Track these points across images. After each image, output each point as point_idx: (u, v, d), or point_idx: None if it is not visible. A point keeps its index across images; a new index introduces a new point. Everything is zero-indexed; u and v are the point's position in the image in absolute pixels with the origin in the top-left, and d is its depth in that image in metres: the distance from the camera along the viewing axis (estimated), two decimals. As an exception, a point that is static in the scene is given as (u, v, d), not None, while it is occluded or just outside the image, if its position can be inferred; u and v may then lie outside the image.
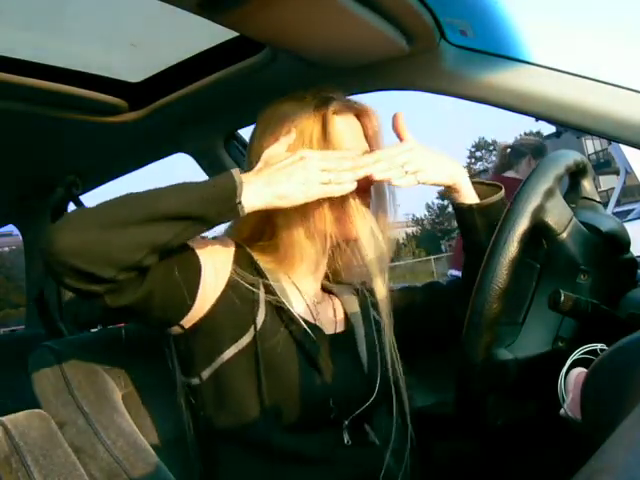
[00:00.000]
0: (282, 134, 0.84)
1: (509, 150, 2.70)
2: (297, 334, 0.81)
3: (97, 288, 0.67)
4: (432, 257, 23.60)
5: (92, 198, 1.78)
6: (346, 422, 0.82)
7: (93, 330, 1.02)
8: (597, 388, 0.57)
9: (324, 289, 0.96)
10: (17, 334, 2.43)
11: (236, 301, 0.80)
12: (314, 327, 0.85)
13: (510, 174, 2.64)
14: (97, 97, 1.18)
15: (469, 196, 0.91)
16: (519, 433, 0.92)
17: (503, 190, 0.93)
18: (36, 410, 0.86)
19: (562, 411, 0.69)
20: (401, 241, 41.81)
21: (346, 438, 0.82)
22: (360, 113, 0.90)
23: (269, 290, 0.83)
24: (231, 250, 0.84)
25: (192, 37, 1.05)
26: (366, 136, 0.90)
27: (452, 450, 1.09)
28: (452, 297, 0.99)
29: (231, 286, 0.80)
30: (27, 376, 0.91)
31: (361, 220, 0.85)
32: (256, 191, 0.74)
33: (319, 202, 0.82)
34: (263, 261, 0.86)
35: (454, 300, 0.96)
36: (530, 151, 2.64)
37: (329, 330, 0.88)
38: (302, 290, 0.89)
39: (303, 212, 0.83)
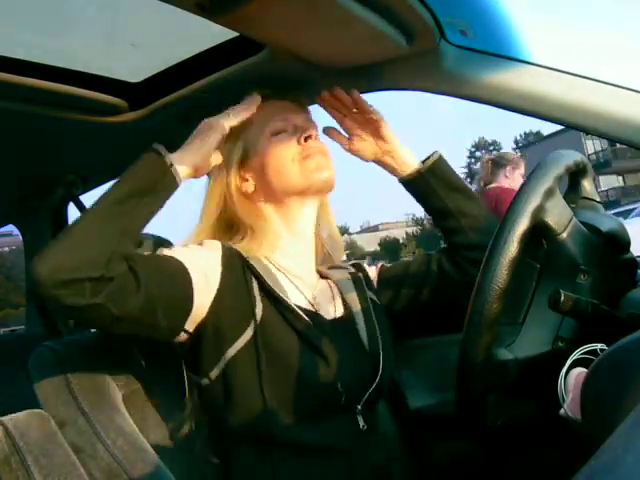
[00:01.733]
0: None
1: (490, 162, 2.89)
2: (296, 323, 0.82)
3: (97, 300, 0.69)
4: (432, 257, 23.50)
5: (92, 198, 1.78)
6: (359, 406, 0.83)
7: (93, 330, 1.02)
8: (597, 388, 0.57)
9: (320, 275, 0.98)
10: (17, 334, 2.43)
11: (232, 299, 0.81)
12: (312, 314, 0.86)
13: (493, 185, 2.82)
14: (97, 97, 1.18)
15: (407, 161, 0.97)
16: (519, 433, 0.92)
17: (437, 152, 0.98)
18: (36, 410, 0.86)
19: (562, 411, 0.69)
20: (401, 241, 41.83)
21: (361, 423, 0.82)
22: (295, 100, 1.00)
23: (263, 284, 0.84)
24: (217, 250, 0.86)
25: (192, 37, 1.05)
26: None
27: (452, 450, 1.09)
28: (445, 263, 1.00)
29: (224, 285, 0.81)
30: (27, 376, 0.91)
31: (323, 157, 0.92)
32: (181, 156, 0.84)
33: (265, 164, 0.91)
34: (251, 254, 0.88)
35: (447, 265, 0.98)
36: (509, 163, 2.82)
37: (328, 314, 0.89)
38: (297, 275, 0.91)
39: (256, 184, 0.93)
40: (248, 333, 0.79)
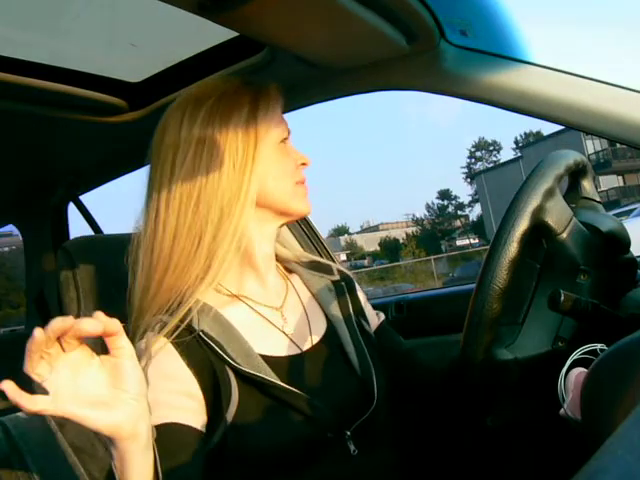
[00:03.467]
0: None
1: None
2: (274, 392, 0.74)
3: None
4: (432, 257, 23.59)
5: (92, 198, 1.78)
6: (348, 432, 0.77)
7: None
8: (597, 388, 0.57)
9: (285, 268, 0.92)
10: (17, 334, 2.43)
11: (211, 388, 0.74)
12: (285, 360, 0.79)
13: None
14: (97, 97, 1.18)
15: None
16: (519, 433, 0.92)
17: None
18: (36, 410, 0.86)
19: (562, 411, 0.69)
20: (401, 241, 41.88)
21: (352, 448, 0.77)
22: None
23: (235, 369, 0.74)
24: (174, 356, 0.74)
25: (192, 37, 1.05)
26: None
27: (452, 450, 1.09)
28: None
29: (204, 390, 0.74)
30: (27, 376, 0.91)
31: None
32: None
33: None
34: (204, 312, 0.77)
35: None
36: None
37: (304, 341, 0.83)
38: (260, 302, 0.83)
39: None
40: (228, 419, 0.73)
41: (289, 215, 0.85)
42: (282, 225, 0.86)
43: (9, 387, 0.52)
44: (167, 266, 0.78)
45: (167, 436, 0.68)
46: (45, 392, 0.54)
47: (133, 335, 0.78)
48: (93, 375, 0.57)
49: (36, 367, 0.56)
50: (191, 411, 0.72)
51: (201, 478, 0.70)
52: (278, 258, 0.91)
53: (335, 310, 0.87)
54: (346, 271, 0.95)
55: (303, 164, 0.86)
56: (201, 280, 0.77)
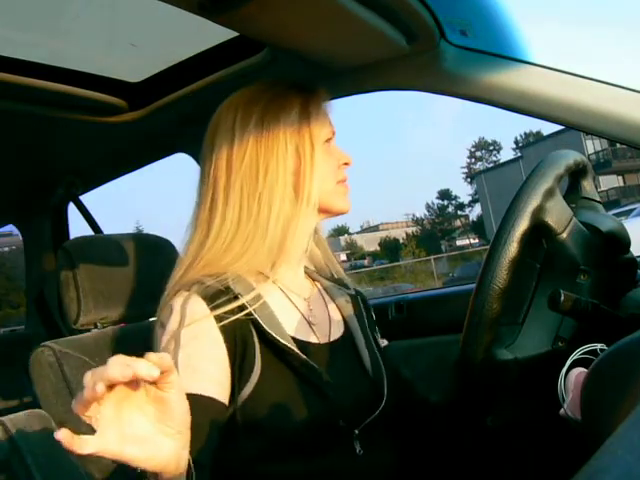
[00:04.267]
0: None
1: None
2: (295, 364, 0.76)
3: None
4: (432, 257, 23.59)
5: (92, 198, 1.78)
6: (356, 431, 0.79)
7: (93, 330, 1.02)
8: (597, 388, 0.57)
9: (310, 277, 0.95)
10: (17, 334, 2.43)
11: (239, 361, 0.76)
12: (310, 345, 0.81)
13: None
14: (97, 97, 1.18)
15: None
16: (519, 433, 0.92)
17: None
18: (36, 410, 0.86)
19: (562, 411, 0.69)
20: (401, 241, 41.88)
21: (357, 447, 0.79)
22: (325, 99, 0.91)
23: (263, 333, 0.77)
24: (213, 330, 0.75)
25: (192, 37, 1.05)
26: None
27: (451, 450, 1.09)
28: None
29: (231, 356, 0.75)
30: (27, 376, 0.91)
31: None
32: None
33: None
34: (241, 282, 0.79)
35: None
36: None
37: (325, 335, 0.86)
38: (294, 290, 0.87)
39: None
40: (248, 389, 0.75)
41: (329, 212, 0.89)
42: (322, 220, 0.91)
43: (64, 436, 0.52)
44: (219, 249, 0.82)
45: (194, 409, 0.64)
46: (92, 432, 0.52)
47: (167, 294, 0.81)
48: (138, 409, 0.55)
49: (87, 411, 0.53)
50: (218, 383, 0.73)
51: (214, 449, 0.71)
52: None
53: (352, 318, 0.91)
54: (361, 291, 1.00)
55: (345, 164, 0.89)
56: (246, 262, 0.81)
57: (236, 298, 0.77)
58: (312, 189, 0.84)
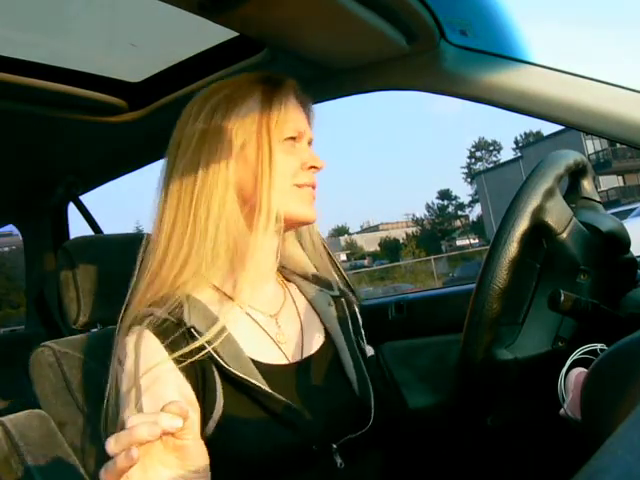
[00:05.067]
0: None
1: None
2: (262, 399, 0.71)
3: None
4: (432, 257, 23.58)
5: (92, 198, 1.78)
6: (335, 446, 0.73)
7: (93, 330, 1.02)
8: (597, 388, 0.57)
9: (283, 277, 0.88)
10: (17, 334, 2.43)
11: (200, 387, 0.71)
12: (275, 369, 0.75)
13: None
14: (97, 97, 1.18)
15: None
16: (519, 433, 0.92)
17: None
18: (36, 410, 0.86)
19: (562, 411, 0.69)
20: (401, 241, 41.87)
21: (339, 461, 0.73)
22: (303, 102, 0.84)
23: (221, 368, 0.71)
24: (163, 355, 0.70)
25: (192, 37, 1.05)
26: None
27: (451, 450, 1.09)
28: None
29: (191, 377, 0.71)
30: (27, 376, 0.91)
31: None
32: None
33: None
34: (196, 308, 0.73)
35: None
36: None
37: (297, 353, 0.79)
38: (255, 307, 0.79)
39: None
40: (212, 423, 0.70)
41: (286, 220, 0.77)
42: (282, 232, 0.80)
43: None
44: (162, 260, 0.76)
45: None
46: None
47: (119, 329, 0.75)
48: (160, 463, 0.54)
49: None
50: (191, 405, 0.69)
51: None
52: (281, 265, 0.87)
53: (334, 324, 0.84)
54: (349, 293, 0.91)
55: (312, 167, 0.80)
56: (193, 275, 0.75)
57: (190, 332, 0.71)
58: (262, 192, 0.74)
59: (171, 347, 0.70)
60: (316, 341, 0.82)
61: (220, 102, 0.78)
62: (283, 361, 0.77)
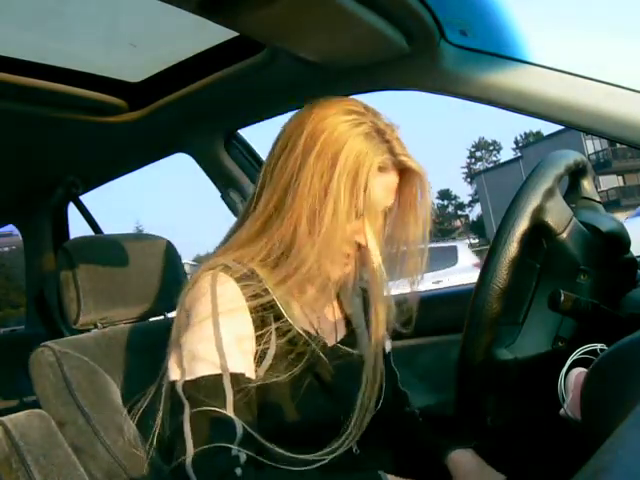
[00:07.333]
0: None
1: None
2: (306, 357, 0.77)
3: None
4: (432, 257, 23.50)
5: (92, 198, 1.78)
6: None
7: (93, 330, 1.02)
8: (597, 388, 0.57)
9: None
10: (17, 334, 2.43)
11: (258, 334, 0.77)
12: (320, 344, 0.81)
13: None
14: (97, 97, 1.18)
15: None
16: (519, 433, 0.92)
17: None
18: (36, 410, 0.86)
19: (562, 411, 0.69)
20: (401, 241, 41.79)
21: (355, 447, 0.80)
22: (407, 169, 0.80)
23: (278, 315, 0.78)
24: (238, 293, 0.76)
25: (192, 37, 1.05)
26: (401, 195, 0.82)
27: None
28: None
29: (255, 321, 0.77)
30: (27, 376, 0.91)
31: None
32: None
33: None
34: (270, 280, 0.79)
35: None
36: None
37: (331, 338, 0.86)
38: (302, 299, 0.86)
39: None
40: (260, 372, 0.76)
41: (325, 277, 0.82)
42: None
43: None
44: (259, 237, 0.80)
45: (243, 389, 0.72)
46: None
47: (195, 277, 0.79)
48: None
49: None
50: (252, 362, 0.75)
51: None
52: None
53: (359, 317, 0.89)
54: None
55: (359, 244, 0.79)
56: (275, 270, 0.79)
57: (259, 281, 0.77)
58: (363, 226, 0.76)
59: (242, 285, 0.76)
60: (340, 331, 0.88)
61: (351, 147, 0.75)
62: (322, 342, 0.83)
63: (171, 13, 0.77)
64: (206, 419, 0.69)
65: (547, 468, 0.88)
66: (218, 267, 0.78)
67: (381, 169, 0.76)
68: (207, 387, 0.71)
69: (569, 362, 0.71)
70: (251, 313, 0.76)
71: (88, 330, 1.01)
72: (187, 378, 0.71)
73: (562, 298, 0.73)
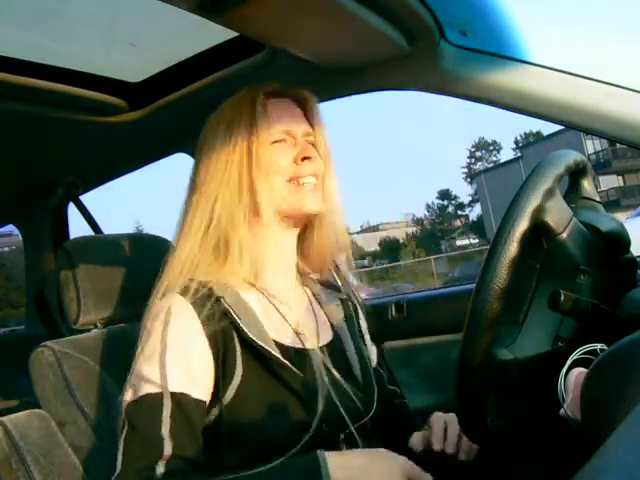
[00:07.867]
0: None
1: None
2: (279, 371, 0.77)
3: None
4: (432, 257, 23.59)
5: (92, 198, 1.78)
6: (342, 436, 0.80)
7: (93, 330, 1.02)
8: (597, 388, 0.57)
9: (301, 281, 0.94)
10: (17, 334, 2.43)
11: (219, 364, 0.77)
12: (292, 350, 0.81)
13: None
14: (97, 97, 1.18)
15: None
16: (519, 433, 0.92)
17: None
18: (36, 410, 0.86)
19: (562, 411, 0.69)
20: (401, 241, 41.88)
21: (344, 448, 0.79)
22: (299, 99, 0.90)
23: (244, 337, 0.77)
24: (198, 332, 0.76)
25: (192, 37, 1.05)
26: (309, 120, 0.89)
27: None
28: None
29: (215, 358, 0.77)
30: (27, 376, 0.91)
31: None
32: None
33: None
34: (232, 284, 0.81)
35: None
36: None
37: (312, 342, 0.85)
38: (282, 300, 0.86)
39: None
40: (230, 393, 0.75)
41: (289, 215, 0.85)
42: (296, 228, 0.88)
43: None
44: (197, 248, 0.83)
45: (185, 409, 0.72)
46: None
47: (154, 298, 0.81)
48: None
49: None
50: (205, 386, 0.75)
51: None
52: (302, 271, 0.94)
53: (341, 324, 0.90)
54: (356, 295, 0.99)
55: (305, 158, 0.84)
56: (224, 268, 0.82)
57: (218, 301, 0.78)
58: (258, 195, 0.81)
59: (199, 310, 0.77)
60: (326, 337, 0.89)
61: (223, 116, 0.87)
62: (299, 345, 0.83)
63: (171, 13, 0.77)
64: (135, 439, 0.70)
65: (547, 468, 0.88)
66: (176, 289, 0.79)
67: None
68: (145, 407, 0.72)
69: (569, 362, 0.71)
70: (208, 337, 0.76)
71: (88, 330, 1.01)
72: (129, 399, 0.73)
73: (562, 298, 0.73)
